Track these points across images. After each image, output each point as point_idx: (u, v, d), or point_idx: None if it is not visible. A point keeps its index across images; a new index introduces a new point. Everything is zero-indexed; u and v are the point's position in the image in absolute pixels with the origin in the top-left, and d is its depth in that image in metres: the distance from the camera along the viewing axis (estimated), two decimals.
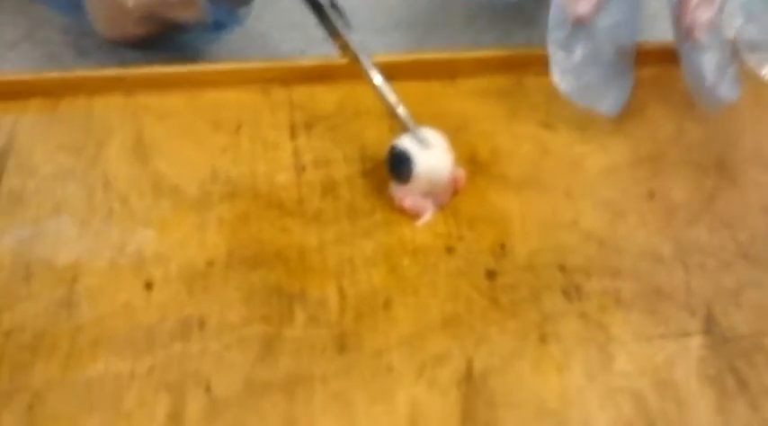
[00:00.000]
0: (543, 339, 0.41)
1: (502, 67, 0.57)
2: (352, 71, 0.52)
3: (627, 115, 0.54)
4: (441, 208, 0.47)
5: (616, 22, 0.51)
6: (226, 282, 0.43)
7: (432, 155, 0.46)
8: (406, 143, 0.46)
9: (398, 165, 0.46)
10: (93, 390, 0.38)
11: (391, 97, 0.47)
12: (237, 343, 0.41)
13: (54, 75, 0.54)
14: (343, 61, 0.53)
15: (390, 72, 0.48)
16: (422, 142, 0.46)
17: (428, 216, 0.47)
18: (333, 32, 0.48)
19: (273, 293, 0.43)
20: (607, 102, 0.52)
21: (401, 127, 0.47)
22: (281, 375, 0.40)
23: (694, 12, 0.47)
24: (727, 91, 0.48)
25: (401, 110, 0.47)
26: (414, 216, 0.47)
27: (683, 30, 0.48)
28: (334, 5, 0.48)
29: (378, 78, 0.47)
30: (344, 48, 0.48)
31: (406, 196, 0.47)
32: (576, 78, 0.50)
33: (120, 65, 0.56)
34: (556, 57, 0.50)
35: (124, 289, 0.43)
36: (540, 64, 0.52)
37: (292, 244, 0.45)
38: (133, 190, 0.48)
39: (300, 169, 0.49)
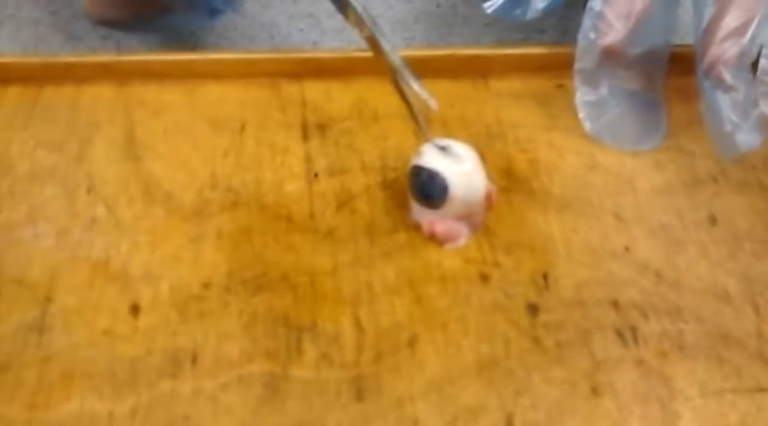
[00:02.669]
0: (596, 391, 0.36)
1: (540, 67, 0.51)
2: (374, 67, 0.47)
3: (679, 127, 0.48)
4: (476, 230, 0.41)
5: (648, 49, 0.46)
6: (224, 308, 0.38)
7: (465, 173, 0.40)
8: (433, 160, 0.40)
9: (429, 189, 0.40)
10: None
11: (407, 99, 0.41)
12: (236, 383, 0.35)
13: (37, 59, 0.49)
14: (363, 55, 0.48)
15: (413, 68, 0.42)
16: (450, 157, 0.40)
17: (463, 241, 0.41)
18: (356, 24, 0.42)
19: (279, 323, 0.38)
20: (642, 142, 0.48)
21: (418, 136, 0.41)
22: (288, 424, 0.34)
23: (721, 44, 0.42)
24: (747, 137, 0.42)
25: (419, 117, 0.41)
26: (445, 242, 0.41)
27: (706, 64, 0.42)
28: None
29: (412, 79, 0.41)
30: (371, 42, 0.42)
31: (437, 221, 0.40)
32: (601, 116, 0.47)
33: (115, 52, 0.50)
34: (581, 91, 0.47)
35: (106, 313, 0.38)
36: None
37: (302, 265, 0.40)
38: (121, 195, 0.43)
39: (312, 177, 0.44)
